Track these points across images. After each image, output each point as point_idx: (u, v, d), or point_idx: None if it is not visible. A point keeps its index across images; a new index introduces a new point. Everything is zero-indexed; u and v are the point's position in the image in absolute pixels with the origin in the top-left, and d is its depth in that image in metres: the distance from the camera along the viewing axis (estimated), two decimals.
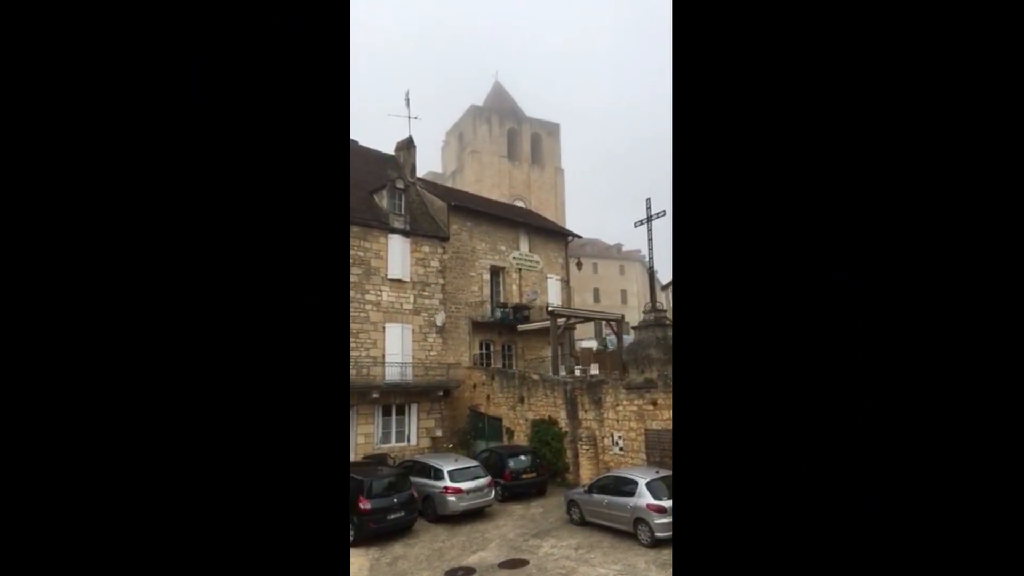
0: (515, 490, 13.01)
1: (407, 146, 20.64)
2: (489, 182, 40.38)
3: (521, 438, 15.66)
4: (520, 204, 36.62)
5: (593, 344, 24.63)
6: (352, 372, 15.31)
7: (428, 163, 48.85)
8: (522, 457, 13.60)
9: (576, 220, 69.30)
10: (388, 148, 21.40)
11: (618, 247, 44.86)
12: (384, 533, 10.43)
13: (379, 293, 16.53)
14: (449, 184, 37.79)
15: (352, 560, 9.55)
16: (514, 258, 20.90)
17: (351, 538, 10.23)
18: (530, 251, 21.66)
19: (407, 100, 20.70)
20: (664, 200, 45.54)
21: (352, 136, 20.97)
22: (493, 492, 12.17)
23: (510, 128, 44.48)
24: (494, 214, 21.51)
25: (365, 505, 10.23)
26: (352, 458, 14.80)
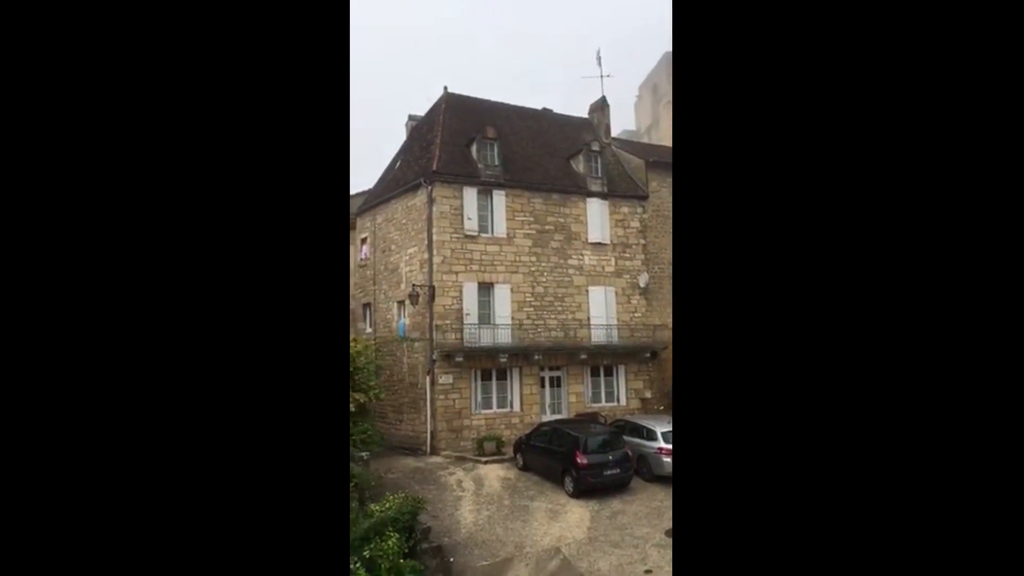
0: None
1: (600, 107, 20.30)
2: None
3: None
4: None
5: None
6: (560, 335, 15.94)
7: (623, 122, 47.54)
8: None
9: None
10: (583, 112, 21.31)
11: None
12: (601, 488, 10.80)
13: (581, 257, 16.79)
14: (644, 140, 36.38)
15: (573, 510, 10.12)
16: None
17: (571, 490, 10.83)
18: None
19: (598, 59, 20.31)
20: None
21: (546, 106, 21.35)
22: None
23: None
24: None
25: (582, 460, 10.69)
26: (565, 415, 15.56)
